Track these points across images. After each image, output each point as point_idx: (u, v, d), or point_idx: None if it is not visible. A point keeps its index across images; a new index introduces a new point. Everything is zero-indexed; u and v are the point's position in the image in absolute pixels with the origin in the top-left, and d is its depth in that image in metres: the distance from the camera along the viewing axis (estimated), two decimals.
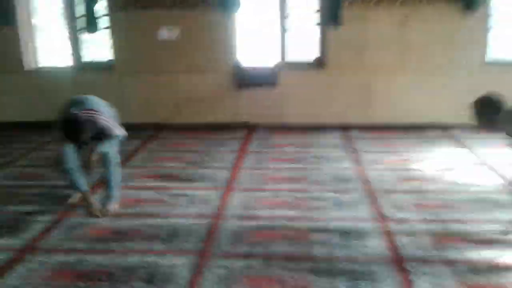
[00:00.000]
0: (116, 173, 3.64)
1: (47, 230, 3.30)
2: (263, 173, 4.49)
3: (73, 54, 6.40)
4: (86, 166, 3.74)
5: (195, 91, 6.21)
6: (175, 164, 4.82)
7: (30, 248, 3.05)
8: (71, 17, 6.25)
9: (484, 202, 3.68)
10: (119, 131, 3.66)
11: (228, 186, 4.15)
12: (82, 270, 2.78)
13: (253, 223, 3.41)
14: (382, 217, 3.46)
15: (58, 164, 3.55)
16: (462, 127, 5.72)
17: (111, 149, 3.60)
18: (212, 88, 6.20)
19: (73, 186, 3.51)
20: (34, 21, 6.45)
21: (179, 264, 2.84)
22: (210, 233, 3.24)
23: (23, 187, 4.20)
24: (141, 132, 6.13)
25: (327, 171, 4.51)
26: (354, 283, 2.62)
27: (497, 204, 3.61)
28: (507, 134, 2.98)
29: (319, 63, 6.11)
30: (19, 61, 6.30)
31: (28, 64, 6.39)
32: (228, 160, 4.92)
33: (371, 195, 3.90)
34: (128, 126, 6.14)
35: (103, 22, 6.15)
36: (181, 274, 2.73)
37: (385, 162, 4.76)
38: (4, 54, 6.27)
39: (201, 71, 6.12)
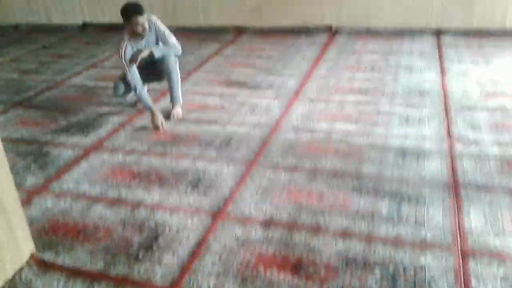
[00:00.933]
0: (176, 76, 3.71)
1: (114, 131, 3.56)
2: (335, 83, 4.28)
3: None
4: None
5: None
6: (247, 70, 4.77)
7: (95, 147, 3.34)
8: None
9: None
10: (177, 42, 3.68)
11: (294, 96, 4.04)
12: (137, 170, 2.99)
13: (309, 135, 3.33)
14: (451, 137, 3.17)
15: (123, 80, 3.74)
16: None
17: (169, 52, 3.64)
18: None
19: (141, 102, 3.69)
20: None
21: (225, 172, 2.92)
22: (263, 144, 3.25)
23: (104, 88, 4.49)
24: (220, 35, 6.12)
25: (404, 83, 4.17)
26: (397, 205, 2.49)
27: None
28: None
29: None
30: None
31: None
32: (302, 68, 4.75)
33: (447, 111, 3.55)
34: (207, 29, 6.28)
35: None
36: (225, 182, 2.81)
37: (474, 74, 4.24)
38: None
39: None
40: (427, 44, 5.24)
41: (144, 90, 3.65)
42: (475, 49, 4.92)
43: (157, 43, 3.69)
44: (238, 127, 3.53)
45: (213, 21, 6.28)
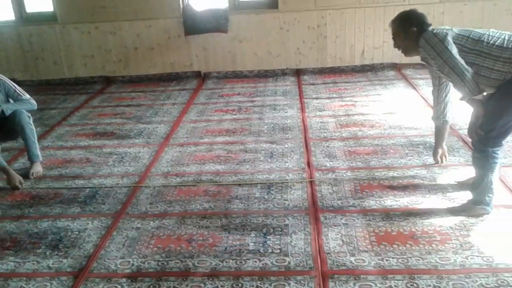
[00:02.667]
0: (31, 132, 3.50)
1: None
2: (204, 126, 4.37)
3: (14, 7, 6.04)
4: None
5: (142, 40, 5.94)
6: (115, 120, 4.68)
7: None
8: None
9: (416, 147, 3.61)
10: (30, 98, 3.53)
11: (164, 142, 4.04)
12: None
13: (178, 180, 3.33)
14: (310, 167, 3.40)
15: None
16: (414, 66, 5.63)
17: (21, 108, 3.44)
18: (161, 36, 5.92)
19: None
20: None
21: (90, 227, 2.78)
22: (132, 193, 3.17)
23: None
24: (87, 87, 5.95)
25: (268, 121, 4.40)
26: (263, 238, 2.58)
27: (428, 148, 3.53)
28: (422, 60, 2.77)
29: (271, 3, 5.81)
30: None
31: None
32: (172, 114, 4.78)
33: (307, 144, 3.81)
34: (73, 82, 6.07)
35: None
36: (89, 238, 2.67)
37: (330, 108, 4.64)
38: None
39: (148, 18, 5.81)
40: (289, 83, 5.63)
41: None
42: (330, 86, 5.40)
43: (7, 101, 3.47)
44: (105, 179, 3.41)
45: (78, 73, 6.09)
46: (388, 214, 2.73)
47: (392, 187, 3.04)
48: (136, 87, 5.81)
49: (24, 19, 6.06)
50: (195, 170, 3.46)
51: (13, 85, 3.50)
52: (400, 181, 3.11)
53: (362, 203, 2.87)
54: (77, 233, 2.73)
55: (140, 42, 5.93)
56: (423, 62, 2.80)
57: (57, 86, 6.01)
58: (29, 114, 3.51)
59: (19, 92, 3.50)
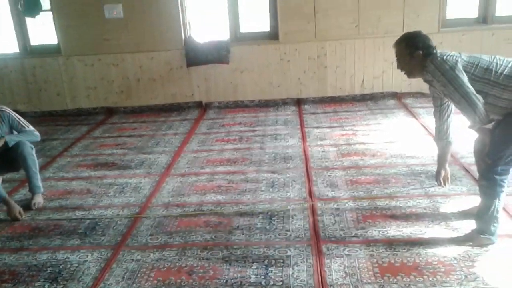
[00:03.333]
0: (33, 163, 3.51)
1: None
2: (205, 156, 4.37)
3: (19, 40, 6.15)
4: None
5: (144, 72, 6.01)
6: (116, 151, 4.68)
7: None
8: (14, 1, 5.95)
9: (418, 176, 3.60)
10: (34, 129, 3.59)
11: (165, 172, 4.03)
12: None
13: (179, 210, 3.31)
14: (312, 197, 3.37)
15: None
16: (414, 95, 5.68)
17: (24, 140, 3.47)
18: (163, 68, 5.98)
19: None
20: None
21: (89, 259, 2.75)
22: (132, 225, 3.14)
23: None
24: (89, 117, 5.99)
25: (270, 150, 4.40)
26: (264, 270, 2.54)
27: (430, 177, 3.51)
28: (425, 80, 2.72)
29: (272, 34, 5.91)
30: None
31: None
32: (174, 144, 4.79)
33: (309, 173, 3.80)
34: (75, 113, 6.11)
35: (44, 4, 5.90)
36: (89, 270, 2.64)
37: (331, 137, 4.65)
38: None
39: (150, 49, 5.90)
40: (290, 112, 5.66)
41: None
42: (331, 115, 5.43)
43: (11, 133, 3.49)
44: (105, 210, 3.39)
45: (81, 104, 6.15)
46: (391, 245, 2.69)
47: (394, 217, 3.01)
48: (138, 118, 5.85)
49: (29, 51, 6.16)
50: (196, 201, 3.44)
51: (17, 117, 3.53)
52: (403, 211, 3.08)
53: (365, 233, 2.84)
54: (76, 265, 2.70)
55: (142, 73, 6.01)
56: (423, 90, 2.80)
57: (60, 117, 6.05)
58: (32, 146, 3.53)
59: (23, 123, 3.53)
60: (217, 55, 5.77)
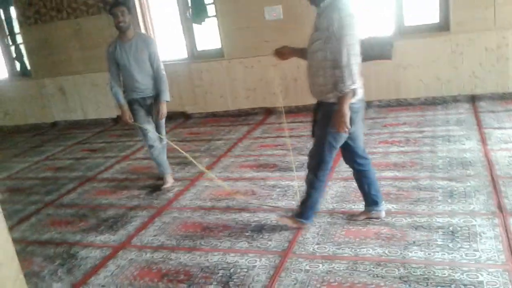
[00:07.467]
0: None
1: (143, 227, 3.44)
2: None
3: (187, 45, 6.59)
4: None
5: (302, 72, 5.94)
6: (276, 151, 4.68)
7: (123, 245, 3.21)
8: (183, 9, 6.40)
9: None
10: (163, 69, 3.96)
11: (330, 174, 3.86)
12: (165, 269, 2.82)
13: (345, 219, 3.11)
14: (502, 211, 2.88)
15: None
16: None
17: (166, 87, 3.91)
18: None
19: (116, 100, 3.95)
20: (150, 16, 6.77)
21: (258, 265, 2.71)
22: (297, 231, 3.04)
23: (134, 181, 4.47)
24: (249, 118, 6.14)
25: (443, 154, 3.94)
26: None
27: None
28: None
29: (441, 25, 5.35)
30: None
31: None
32: None
33: (495, 182, 3.28)
34: (236, 113, 6.33)
35: (211, 10, 6.21)
36: (258, 277, 2.60)
37: None
38: None
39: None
40: (463, 111, 5.05)
41: (117, 87, 3.87)
42: None
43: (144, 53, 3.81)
44: (270, 212, 3.35)
45: (241, 105, 6.35)
46: None
47: None
48: (295, 118, 5.80)
49: (195, 56, 6.57)
50: (363, 209, 3.20)
51: (156, 51, 3.86)
52: None
53: None
54: (245, 270, 2.68)
55: (300, 74, 5.94)
56: None
57: (222, 118, 6.33)
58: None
59: (158, 59, 3.85)
60: (379, 51, 5.40)
